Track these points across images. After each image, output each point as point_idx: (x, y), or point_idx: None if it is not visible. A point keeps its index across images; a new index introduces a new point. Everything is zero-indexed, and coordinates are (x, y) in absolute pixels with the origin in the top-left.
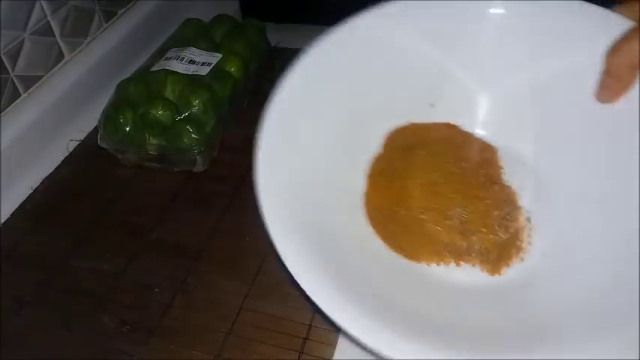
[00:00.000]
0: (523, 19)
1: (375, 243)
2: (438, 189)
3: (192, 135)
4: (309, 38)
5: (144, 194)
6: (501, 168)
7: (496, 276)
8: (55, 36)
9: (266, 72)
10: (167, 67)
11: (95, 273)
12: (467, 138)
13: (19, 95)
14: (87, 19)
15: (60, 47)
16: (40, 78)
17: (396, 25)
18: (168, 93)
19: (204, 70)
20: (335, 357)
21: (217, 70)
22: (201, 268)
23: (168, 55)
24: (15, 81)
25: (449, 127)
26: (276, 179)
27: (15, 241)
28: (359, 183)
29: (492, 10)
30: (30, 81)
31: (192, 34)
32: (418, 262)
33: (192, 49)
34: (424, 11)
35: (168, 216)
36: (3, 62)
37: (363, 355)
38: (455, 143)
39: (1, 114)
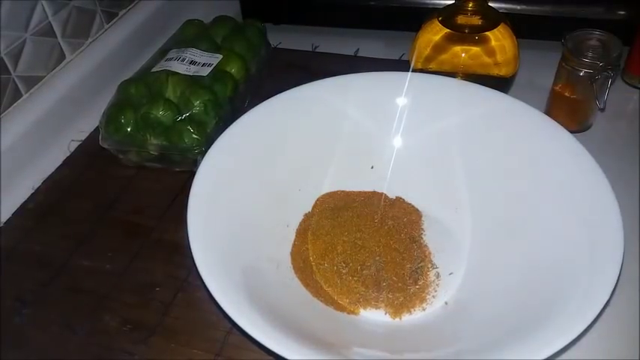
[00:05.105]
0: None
1: (299, 290)
2: (363, 243)
3: (193, 135)
4: (309, 39)
5: (145, 194)
6: (423, 230)
7: (397, 320)
8: (56, 37)
9: (266, 73)
10: (168, 68)
11: (96, 272)
12: (395, 201)
13: (21, 96)
14: (88, 19)
15: (61, 48)
16: (41, 78)
17: (333, 95)
18: (169, 93)
19: (205, 71)
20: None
21: (218, 71)
22: None
23: (169, 55)
24: (16, 81)
25: (375, 194)
26: (207, 228)
27: (16, 240)
28: (289, 237)
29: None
30: (31, 81)
31: (193, 35)
32: (337, 310)
33: (193, 49)
34: (359, 86)
35: (169, 216)
36: (4, 63)
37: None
38: (379, 206)
39: (3, 114)
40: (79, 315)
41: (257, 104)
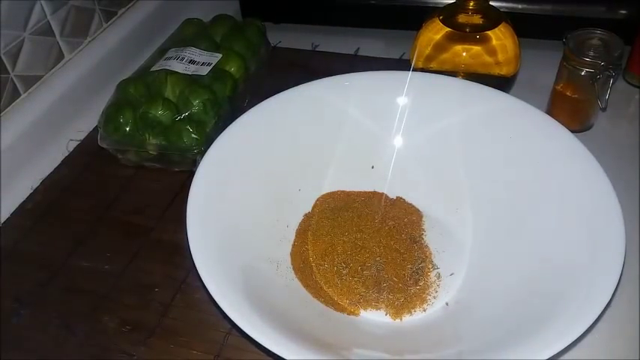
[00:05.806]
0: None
1: (299, 290)
2: (363, 243)
3: (192, 135)
4: (309, 38)
5: (144, 194)
6: (424, 230)
7: (397, 321)
8: (55, 36)
9: (266, 72)
10: (167, 67)
11: (95, 273)
12: (396, 202)
13: (19, 95)
14: (87, 18)
15: (60, 47)
16: (40, 78)
17: (334, 95)
18: (169, 93)
19: (205, 70)
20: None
21: (217, 70)
22: None
23: (168, 55)
24: (15, 81)
25: (375, 194)
26: (206, 229)
27: (15, 240)
28: (288, 237)
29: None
30: (30, 81)
31: (193, 34)
32: (337, 311)
33: (193, 49)
34: (359, 86)
35: (168, 216)
36: (3, 62)
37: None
38: (380, 206)
39: (1, 114)
40: (78, 316)
41: (256, 103)
